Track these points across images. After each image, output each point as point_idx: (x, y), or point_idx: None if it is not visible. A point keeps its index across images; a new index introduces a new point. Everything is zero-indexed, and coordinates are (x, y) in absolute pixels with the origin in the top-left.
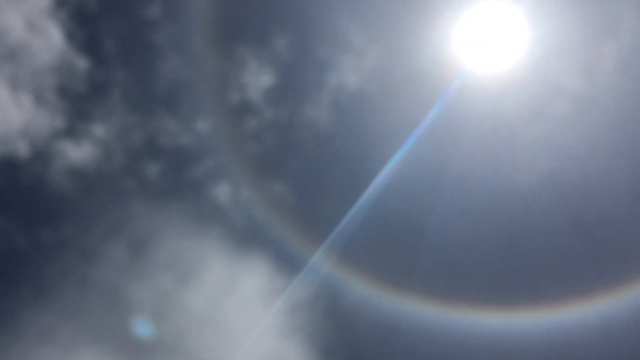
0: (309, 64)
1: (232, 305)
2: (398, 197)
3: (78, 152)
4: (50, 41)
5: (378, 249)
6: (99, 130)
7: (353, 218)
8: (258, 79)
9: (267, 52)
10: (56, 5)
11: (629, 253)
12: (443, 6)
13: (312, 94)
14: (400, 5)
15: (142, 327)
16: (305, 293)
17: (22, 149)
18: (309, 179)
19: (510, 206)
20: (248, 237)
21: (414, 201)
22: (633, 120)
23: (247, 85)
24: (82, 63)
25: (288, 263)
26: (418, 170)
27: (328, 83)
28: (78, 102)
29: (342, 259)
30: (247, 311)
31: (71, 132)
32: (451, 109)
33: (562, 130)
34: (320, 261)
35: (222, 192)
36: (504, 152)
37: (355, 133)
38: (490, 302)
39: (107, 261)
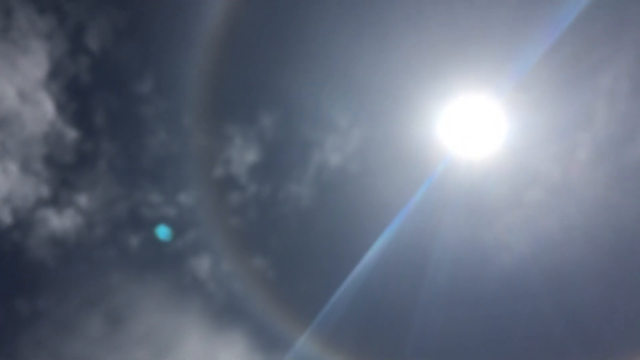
0: (293, 142)
1: None
2: (383, 279)
3: (60, 221)
4: (41, 111)
5: (362, 330)
6: (82, 200)
7: (337, 298)
8: (243, 155)
9: (253, 130)
10: (50, 77)
11: (608, 336)
12: (428, 95)
13: (295, 172)
14: (384, 90)
15: None
16: None
17: (5, 216)
18: (290, 256)
19: (491, 289)
20: (227, 313)
21: (399, 283)
22: (606, 208)
23: (232, 161)
24: (71, 134)
25: (267, 340)
26: (403, 251)
27: (311, 161)
28: (64, 172)
29: (324, 338)
30: None
31: (55, 201)
32: (435, 193)
33: (539, 216)
34: (301, 339)
35: (202, 265)
36: (485, 235)
37: (338, 211)
38: None
39: (83, 333)
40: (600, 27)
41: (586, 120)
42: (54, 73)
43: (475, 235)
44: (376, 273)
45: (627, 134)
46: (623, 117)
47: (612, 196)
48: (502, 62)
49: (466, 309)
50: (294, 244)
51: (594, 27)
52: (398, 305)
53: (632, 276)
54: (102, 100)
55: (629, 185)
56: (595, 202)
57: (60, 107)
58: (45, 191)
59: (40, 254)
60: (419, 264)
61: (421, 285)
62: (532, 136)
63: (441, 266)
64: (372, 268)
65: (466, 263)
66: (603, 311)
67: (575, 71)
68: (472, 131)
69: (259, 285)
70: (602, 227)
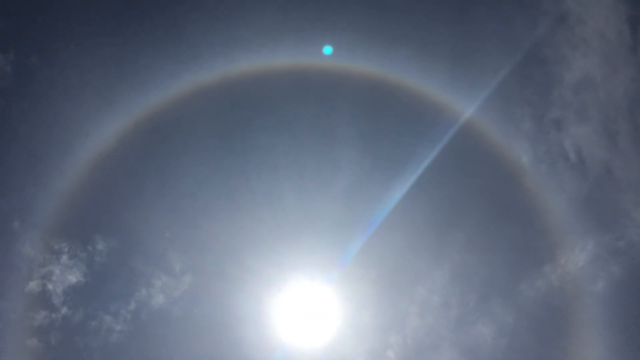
0: (120, 273)
1: None
2: None
3: None
4: None
5: None
6: None
7: None
8: (65, 275)
9: (84, 251)
10: None
11: None
12: (261, 280)
13: (115, 303)
14: (224, 255)
15: None
16: None
17: None
18: None
19: None
20: None
21: None
22: None
23: (51, 278)
24: None
25: None
26: None
27: (134, 296)
28: None
29: None
30: None
31: None
32: None
33: None
34: None
35: None
36: None
37: (151, 356)
38: None
39: None
40: (424, 243)
41: (400, 324)
42: None
43: None
44: None
45: (432, 343)
46: (431, 327)
47: None
48: (325, 257)
49: None
50: None
51: (420, 240)
52: None
53: None
54: None
55: None
56: None
57: None
58: None
59: None
60: None
61: None
62: (352, 331)
63: None
64: None
65: None
66: None
67: (397, 279)
68: (299, 321)
69: None
70: None
